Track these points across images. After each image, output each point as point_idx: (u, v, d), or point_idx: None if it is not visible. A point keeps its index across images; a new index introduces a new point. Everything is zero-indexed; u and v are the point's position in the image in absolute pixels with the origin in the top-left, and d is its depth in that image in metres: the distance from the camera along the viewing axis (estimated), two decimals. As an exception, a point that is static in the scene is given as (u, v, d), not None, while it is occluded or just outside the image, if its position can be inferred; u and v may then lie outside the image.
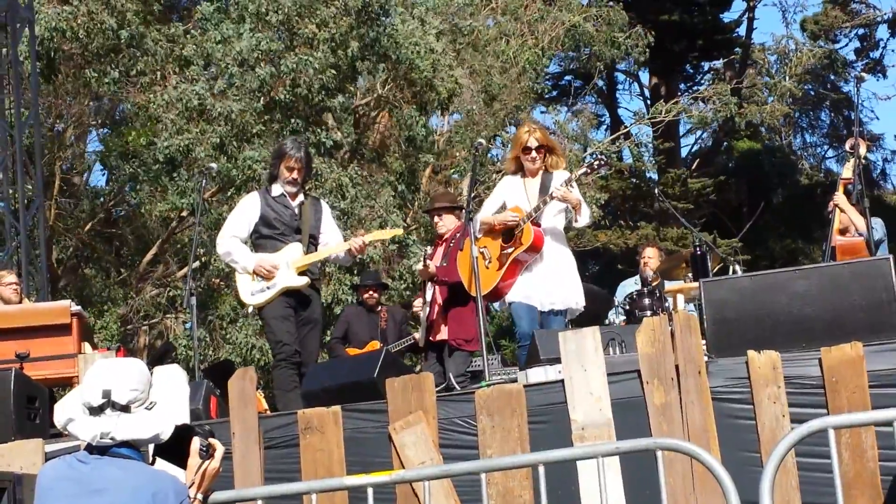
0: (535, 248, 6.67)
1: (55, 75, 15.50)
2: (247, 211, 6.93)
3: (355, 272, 13.89)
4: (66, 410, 3.53)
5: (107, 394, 3.45)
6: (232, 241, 6.89)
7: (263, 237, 6.88)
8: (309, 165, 7.14)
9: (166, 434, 3.50)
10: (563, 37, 19.81)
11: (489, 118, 17.79)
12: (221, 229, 7.10)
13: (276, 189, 6.95)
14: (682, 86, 25.96)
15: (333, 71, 14.71)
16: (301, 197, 7.00)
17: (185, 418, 3.62)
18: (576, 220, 6.77)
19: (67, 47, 14.94)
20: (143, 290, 17.97)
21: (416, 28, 16.06)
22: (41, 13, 14.39)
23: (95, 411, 3.46)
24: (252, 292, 6.77)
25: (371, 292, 9.34)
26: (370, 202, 15.14)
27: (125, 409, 3.46)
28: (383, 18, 15.19)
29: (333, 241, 7.08)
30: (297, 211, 6.93)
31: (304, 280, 6.84)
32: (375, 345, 8.81)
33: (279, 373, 6.60)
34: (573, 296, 6.74)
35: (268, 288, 6.75)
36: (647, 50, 21.55)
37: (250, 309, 7.02)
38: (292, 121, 14.96)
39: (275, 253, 6.81)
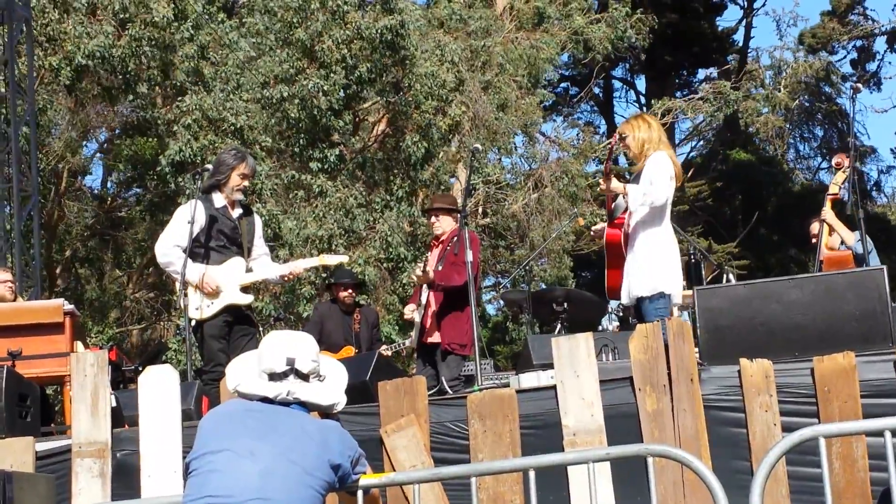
0: (608, 244, 6.45)
1: (78, 86, 15.55)
2: (191, 219, 6.66)
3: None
4: (240, 376, 3.73)
5: (290, 361, 3.66)
6: (175, 250, 6.72)
7: (202, 247, 6.75)
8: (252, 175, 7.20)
9: (340, 406, 3.76)
10: (568, 42, 19.92)
11: (501, 125, 17.76)
12: (162, 235, 6.90)
13: (219, 200, 6.86)
14: (677, 94, 26.00)
15: (343, 92, 14.75)
16: (239, 209, 6.94)
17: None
18: (631, 208, 6.26)
19: (102, 70, 15.00)
20: (138, 292, 17.96)
21: (432, 55, 16.00)
22: (79, 30, 14.49)
23: (277, 377, 3.65)
24: (195, 306, 6.65)
25: (350, 291, 9.06)
26: (372, 222, 15.11)
27: (304, 377, 3.67)
28: (400, 43, 15.05)
29: (263, 256, 7.06)
30: (236, 224, 6.88)
31: (249, 298, 6.88)
32: (350, 350, 8.69)
33: (210, 390, 6.40)
34: (632, 288, 6.23)
35: (212, 303, 6.69)
36: (650, 32, 21.57)
37: (192, 322, 6.74)
38: (301, 136, 14.99)
39: (216, 266, 6.74)
